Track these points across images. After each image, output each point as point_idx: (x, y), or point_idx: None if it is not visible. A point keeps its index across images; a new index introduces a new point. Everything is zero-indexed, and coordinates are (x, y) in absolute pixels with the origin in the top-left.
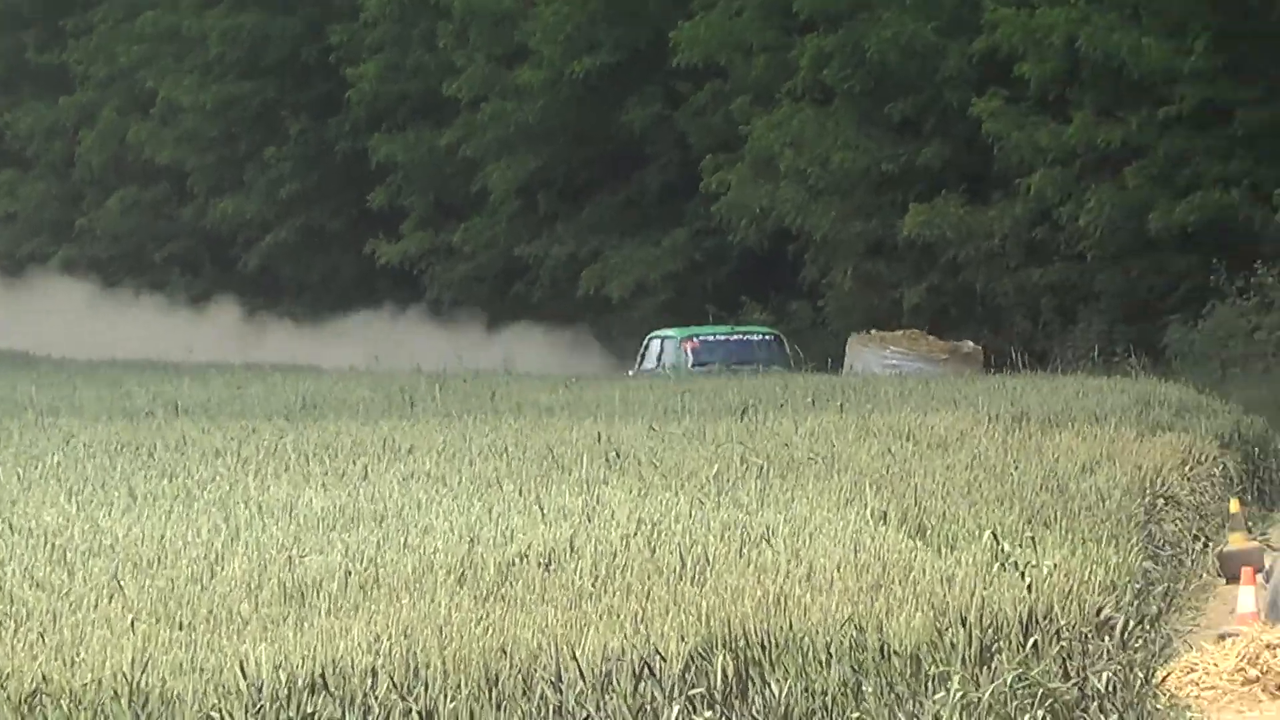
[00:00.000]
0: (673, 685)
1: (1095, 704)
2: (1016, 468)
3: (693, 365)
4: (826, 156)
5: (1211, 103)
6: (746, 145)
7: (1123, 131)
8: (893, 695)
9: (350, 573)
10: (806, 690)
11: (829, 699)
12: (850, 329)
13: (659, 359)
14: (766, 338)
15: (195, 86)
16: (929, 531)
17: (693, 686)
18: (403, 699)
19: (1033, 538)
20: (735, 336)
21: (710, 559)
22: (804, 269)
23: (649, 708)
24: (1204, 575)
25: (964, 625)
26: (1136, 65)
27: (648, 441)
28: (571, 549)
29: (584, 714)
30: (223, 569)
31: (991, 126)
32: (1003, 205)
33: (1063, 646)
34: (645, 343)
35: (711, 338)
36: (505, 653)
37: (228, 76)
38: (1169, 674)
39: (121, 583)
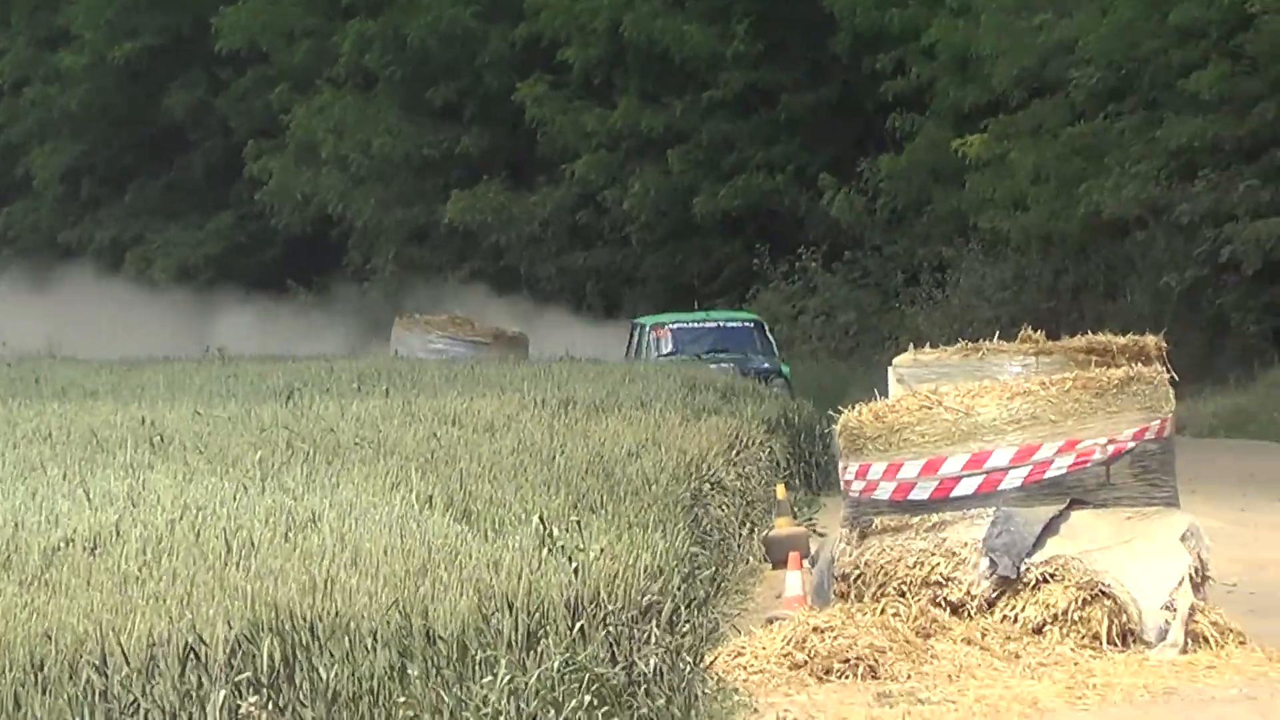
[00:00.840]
0: (219, 669)
1: (643, 688)
2: (563, 452)
3: (659, 356)
4: (368, 143)
5: (755, 88)
6: (289, 132)
7: (666, 116)
8: (439, 679)
9: None
10: (353, 674)
11: (375, 683)
12: (394, 313)
13: (635, 348)
14: (746, 324)
15: None
16: (475, 516)
17: (239, 671)
18: None
19: (579, 522)
20: (710, 323)
21: (255, 544)
22: (348, 253)
23: (195, 692)
24: (751, 560)
25: (510, 610)
26: (680, 50)
27: (193, 425)
28: (117, 534)
29: (130, 699)
30: None
31: (535, 111)
32: (546, 190)
33: (610, 631)
34: (630, 330)
35: (684, 325)
36: (50, 638)
37: None
38: (717, 657)
39: None
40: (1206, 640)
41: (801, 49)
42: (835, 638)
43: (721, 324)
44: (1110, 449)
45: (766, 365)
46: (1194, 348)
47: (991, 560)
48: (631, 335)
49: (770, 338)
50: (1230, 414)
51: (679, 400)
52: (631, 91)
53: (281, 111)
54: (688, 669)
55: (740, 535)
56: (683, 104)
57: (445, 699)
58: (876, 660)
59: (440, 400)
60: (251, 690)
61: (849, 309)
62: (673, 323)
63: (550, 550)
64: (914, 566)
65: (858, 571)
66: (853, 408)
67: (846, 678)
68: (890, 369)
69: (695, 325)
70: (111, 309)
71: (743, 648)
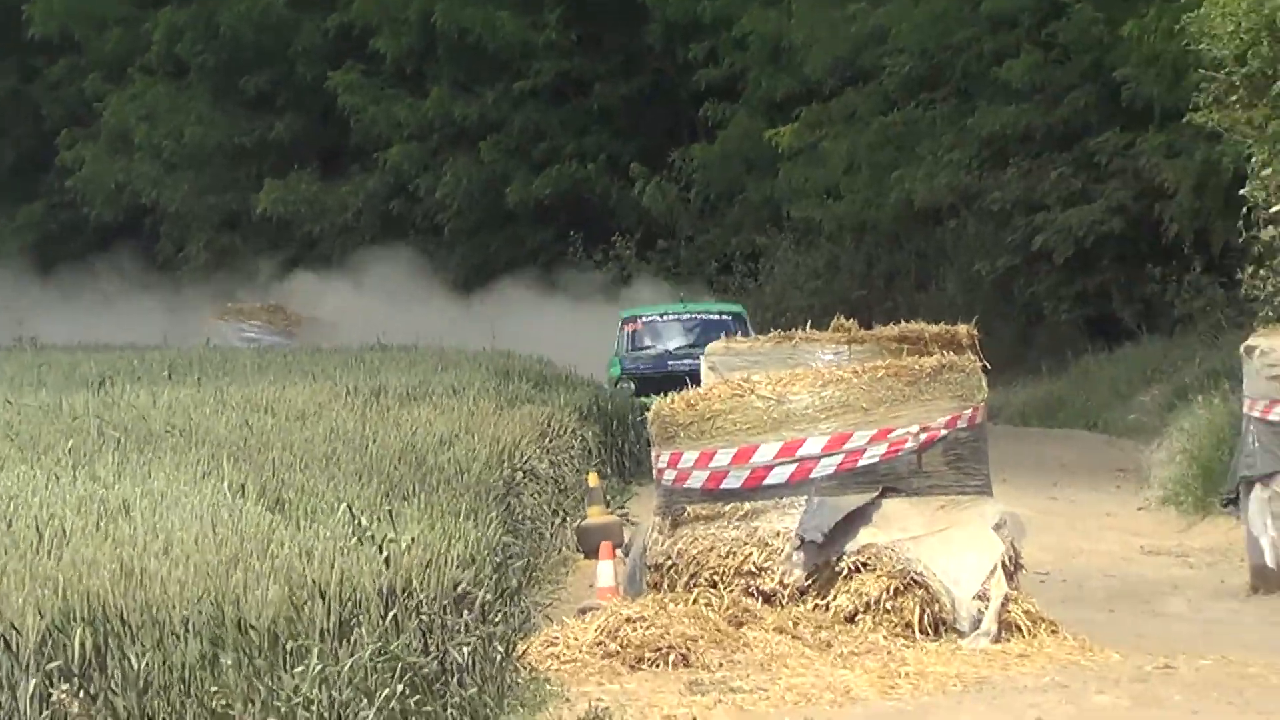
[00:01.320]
0: (30, 658)
1: (455, 677)
2: (375, 440)
3: (630, 351)
4: (181, 131)
5: (567, 77)
6: (102, 120)
7: (479, 105)
8: (251, 669)
9: None
10: (165, 663)
11: (187, 672)
12: (207, 301)
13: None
14: (724, 317)
15: None
16: (288, 505)
17: (50, 659)
18: None
19: (391, 511)
20: (685, 316)
21: (67, 532)
22: (160, 242)
23: (6, 681)
24: (563, 549)
25: (323, 599)
26: (492, 39)
27: (4, 414)
28: None
29: None
30: None
31: (347, 100)
32: (359, 179)
33: (422, 620)
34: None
35: (656, 318)
36: None
37: None
38: (529, 647)
39: None
40: (1019, 629)
41: (614, 38)
42: (648, 627)
43: (698, 316)
44: (923, 437)
45: None
46: (1006, 336)
47: (800, 538)
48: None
49: (750, 330)
50: (1042, 402)
51: (492, 388)
52: (443, 81)
53: (94, 99)
54: (500, 658)
55: (553, 524)
56: (495, 93)
57: (257, 688)
58: (689, 649)
59: (252, 388)
60: (63, 679)
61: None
62: (645, 316)
63: (361, 540)
64: (726, 556)
65: (670, 561)
66: (665, 396)
67: (659, 667)
68: (703, 357)
69: (669, 319)
70: None
71: (555, 637)
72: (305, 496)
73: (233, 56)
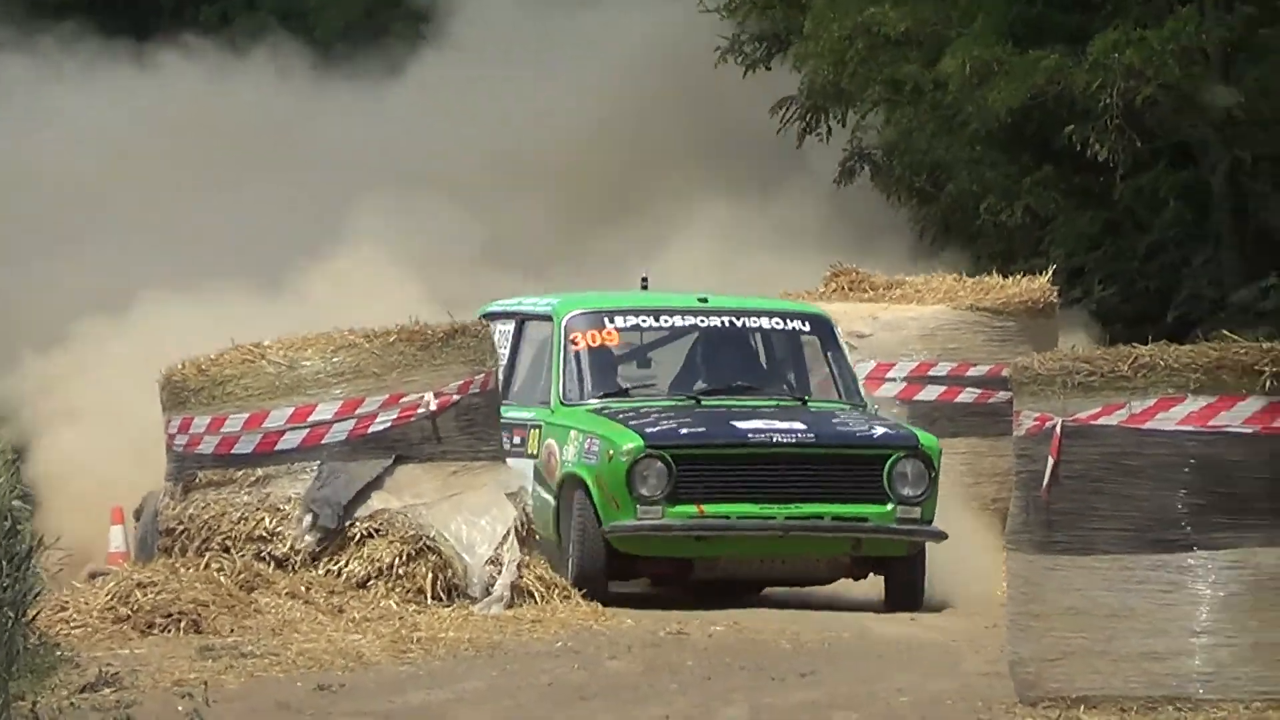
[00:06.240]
0: None
1: None
2: None
3: (590, 393)
4: None
5: None
6: None
7: None
8: None
9: None
10: None
11: None
12: None
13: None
14: (794, 327)
15: None
16: None
17: None
18: None
19: None
20: (712, 322)
21: None
22: None
23: None
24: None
25: None
26: None
27: None
28: None
29: None
30: None
31: None
32: None
33: None
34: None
35: (648, 321)
36: None
37: None
38: (39, 612)
39: None
40: (532, 595)
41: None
42: (159, 592)
43: (738, 324)
44: (435, 403)
45: (882, 430)
46: None
47: (313, 512)
48: (517, 343)
49: (846, 355)
50: None
51: None
52: None
53: None
54: (10, 624)
55: None
56: None
57: None
58: (200, 614)
59: None
60: None
61: None
62: (623, 315)
63: None
64: (239, 521)
65: (182, 526)
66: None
67: (170, 632)
68: None
69: (677, 323)
70: None
71: (66, 602)
72: None
73: None
